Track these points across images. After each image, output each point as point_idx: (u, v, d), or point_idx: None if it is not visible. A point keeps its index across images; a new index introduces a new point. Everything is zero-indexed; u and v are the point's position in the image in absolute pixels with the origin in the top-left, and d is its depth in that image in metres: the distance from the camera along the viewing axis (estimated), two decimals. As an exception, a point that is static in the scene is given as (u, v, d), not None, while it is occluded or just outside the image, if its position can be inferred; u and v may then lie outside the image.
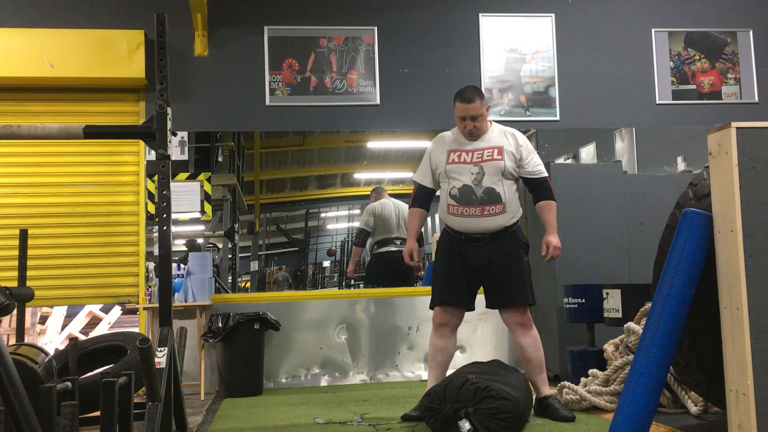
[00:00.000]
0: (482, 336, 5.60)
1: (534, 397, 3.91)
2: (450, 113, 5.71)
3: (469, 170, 3.84)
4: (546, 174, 3.96)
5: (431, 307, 3.98)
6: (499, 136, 3.93)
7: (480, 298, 3.96)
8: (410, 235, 4.09)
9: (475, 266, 3.86)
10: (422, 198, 4.07)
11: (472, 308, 3.98)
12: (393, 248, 6.30)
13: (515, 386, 3.56)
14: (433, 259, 4.06)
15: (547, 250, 3.89)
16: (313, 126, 5.73)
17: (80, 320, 7.49)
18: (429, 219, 8.64)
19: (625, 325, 4.11)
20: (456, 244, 3.91)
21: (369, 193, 6.78)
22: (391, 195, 6.72)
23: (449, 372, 3.94)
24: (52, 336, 7.15)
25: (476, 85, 4.20)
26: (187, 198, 5.71)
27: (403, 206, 6.36)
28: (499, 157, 3.84)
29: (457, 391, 3.39)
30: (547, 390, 3.88)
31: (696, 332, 2.98)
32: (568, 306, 4.89)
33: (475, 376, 3.48)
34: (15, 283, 4.09)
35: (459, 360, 5.62)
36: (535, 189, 3.98)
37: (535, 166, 3.93)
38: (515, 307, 3.83)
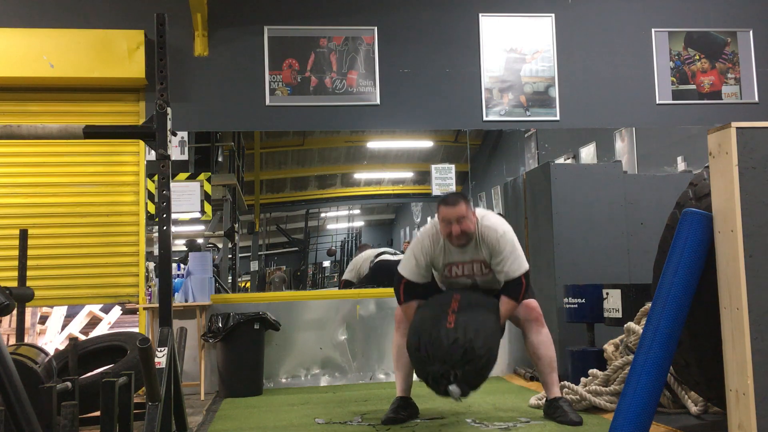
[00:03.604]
0: (482, 336, 5.59)
1: (545, 398, 3.92)
2: (449, 113, 5.77)
3: (463, 281, 3.90)
4: (521, 272, 3.72)
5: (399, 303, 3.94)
6: (479, 248, 3.76)
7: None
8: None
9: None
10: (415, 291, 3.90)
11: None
12: (389, 257, 6.35)
13: (491, 327, 3.60)
14: (414, 241, 3.97)
15: None
16: (313, 126, 5.73)
17: (80, 320, 7.48)
18: (428, 216, 8.62)
19: (625, 325, 4.11)
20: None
21: (369, 192, 6.80)
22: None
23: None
24: (52, 336, 7.15)
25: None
26: (187, 198, 5.71)
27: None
28: (487, 270, 3.83)
29: (444, 350, 3.44)
30: (558, 391, 3.85)
31: (696, 332, 2.98)
32: (568, 306, 4.89)
33: (453, 325, 3.50)
34: (15, 283, 4.10)
35: (459, 360, 5.62)
36: (504, 284, 3.79)
37: (505, 269, 3.72)
38: (525, 303, 3.82)
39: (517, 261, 3.74)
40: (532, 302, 3.87)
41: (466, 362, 3.41)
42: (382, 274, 6.32)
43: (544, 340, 3.84)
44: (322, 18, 5.66)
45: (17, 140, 4.80)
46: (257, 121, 5.61)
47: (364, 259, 6.58)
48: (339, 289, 6.66)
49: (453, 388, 3.41)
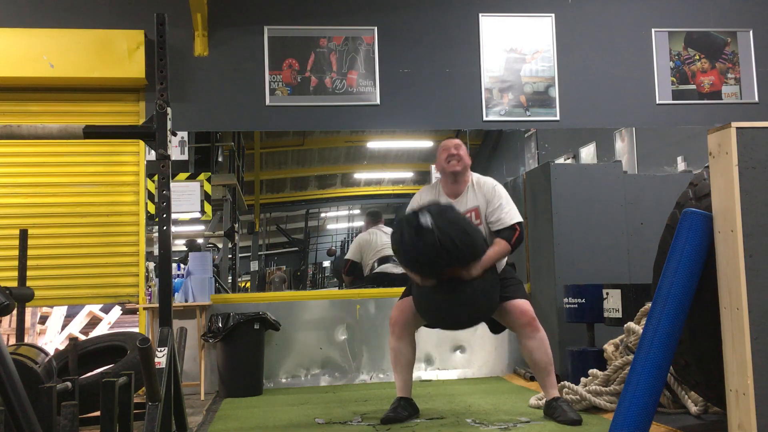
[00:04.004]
0: (482, 336, 5.60)
1: (543, 400, 3.93)
2: (449, 113, 5.76)
3: None
4: (516, 220, 3.84)
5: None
6: (474, 195, 3.93)
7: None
8: None
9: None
10: None
11: None
12: (392, 269, 6.29)
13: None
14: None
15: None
16: (313, 126, 5.73)
17: (80, 320, 7.49)
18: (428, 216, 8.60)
19: (625, 325, 4.11)
20: None
21: (369, 192, 6.75)
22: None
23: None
24: (52, 336, 7.16)
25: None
26: (187, 198, 5.72)
27: None
28: (478, 221, 3.88)
29: (417, 209, 3.65)
30: (555, 392, 3.83)
31: (696, 332, 2.98)
32: (568, 306, 4.89)
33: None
34: (15, 283, 4.09)
35: (460, 361, 5.62)
36: (498, 232, 3.88)
37: (501, 217, 3.84)
38: (517, 307, 3.78)
39: (513, 210, 3.89)
40: (525, 306, 3.79)
41: (437, 212, 3.54)
42: (381, 280, 6.30)
43: (538, 344, 3.78)
44: (322, 18, 5.66)
45: (17, 140, 4.80)
46: (257, 121, 5.61)
47: (372, 248, 6.34)
48: (344, 270, 6.52)
49: (423, 217, 3.48)
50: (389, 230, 6.44)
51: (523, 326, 3.78)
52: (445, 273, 3.60)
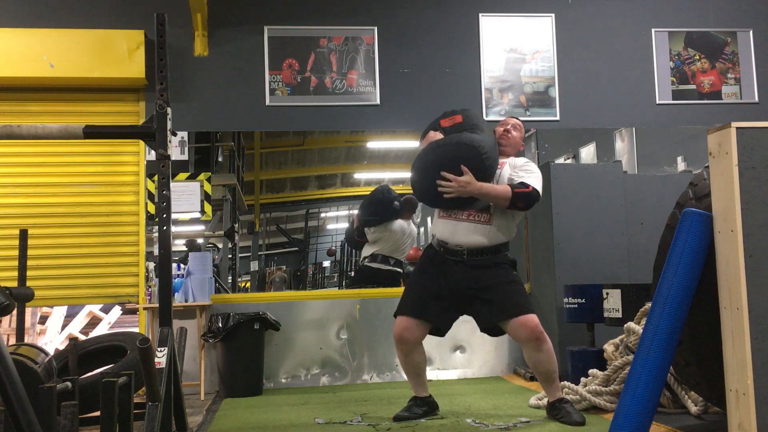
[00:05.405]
0: (482, 336, 5.56)
1: (545, 399, 3.93)
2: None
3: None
4: (534, 186, 3.74)
5: (395, 315, 3.94)
6: (506, 168, 3.91)
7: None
8: None
9: (456, 286, 3.79)
10: None
11: (441, 330, 3.95)
12: (384, 266, 6.29)
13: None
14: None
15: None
16: (313, 126, 5.73)
17: (80, 320, 7.49)
18: (428, 216, 8.62)
19: (625, 325, 4.11)
20: (438, 258, 3.88)
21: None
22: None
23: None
24: (52, 336, 7.15)
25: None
26: (187, 198, 5.71)
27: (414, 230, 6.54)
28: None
29: None
30: (559, 394, 3.82)
31: (696, 332, 2.98)
32: (568, 306, 4.89)
33: None
34: (15, 283, 4.09)
35: (460, 361, 5.62)
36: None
37: (519, 175, 3.81)
38: (525, 324, 3.69)
39: (534, 178, 3.79)
40: (533, 322, 3.70)
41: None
42: (364, 279, 6.31)
43: (545, 356, 3.73)
44: (322, 18, 5.66)
45: (17, 140, 4.80)
46: (257, 121, 5.61)
47: (398, 228, 6.37)
48: (355, 234, 6.51)
49: None
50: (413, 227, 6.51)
51: (531, 341, 3.72)
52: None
